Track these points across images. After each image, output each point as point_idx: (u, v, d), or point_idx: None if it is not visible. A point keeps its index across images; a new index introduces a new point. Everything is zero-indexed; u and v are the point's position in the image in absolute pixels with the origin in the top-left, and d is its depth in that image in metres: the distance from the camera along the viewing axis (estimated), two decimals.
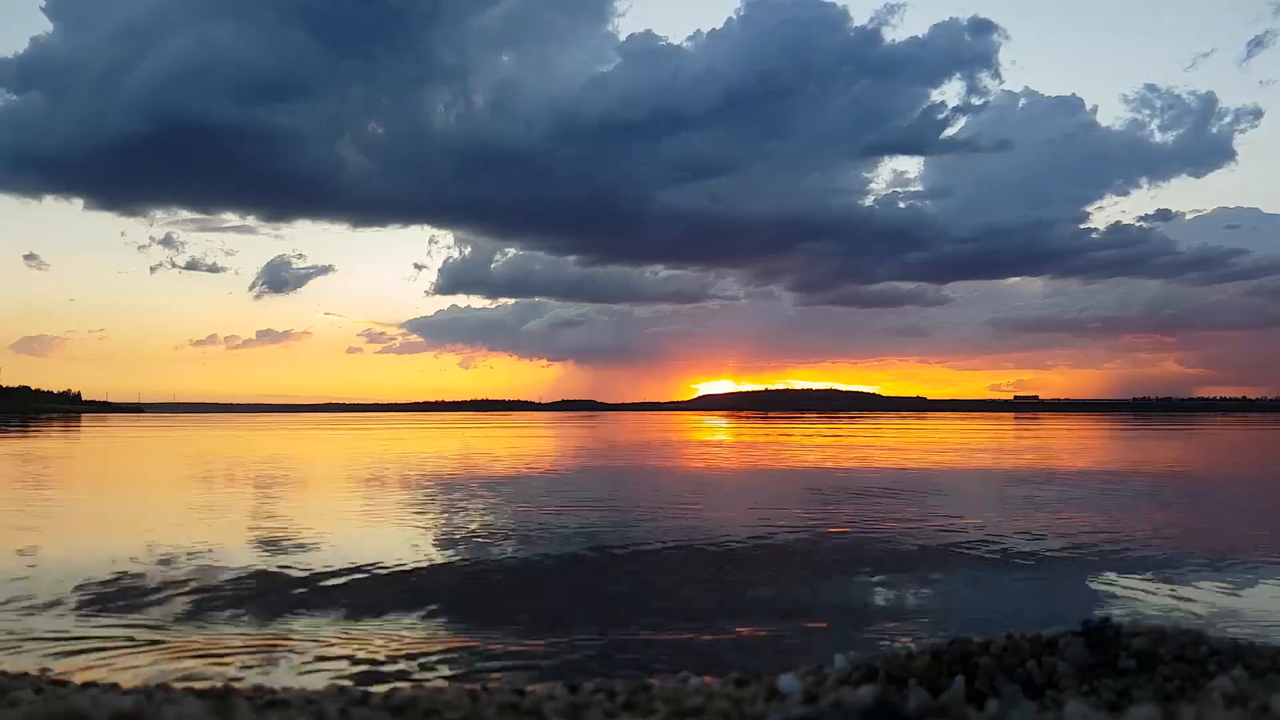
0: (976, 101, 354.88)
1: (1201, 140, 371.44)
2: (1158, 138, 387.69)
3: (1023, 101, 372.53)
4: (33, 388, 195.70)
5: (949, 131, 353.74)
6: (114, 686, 2.08)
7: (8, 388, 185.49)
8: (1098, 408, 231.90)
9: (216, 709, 1.64)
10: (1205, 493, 12.15)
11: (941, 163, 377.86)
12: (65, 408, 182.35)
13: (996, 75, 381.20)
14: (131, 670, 3.60)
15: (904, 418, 78.11)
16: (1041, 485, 12.38)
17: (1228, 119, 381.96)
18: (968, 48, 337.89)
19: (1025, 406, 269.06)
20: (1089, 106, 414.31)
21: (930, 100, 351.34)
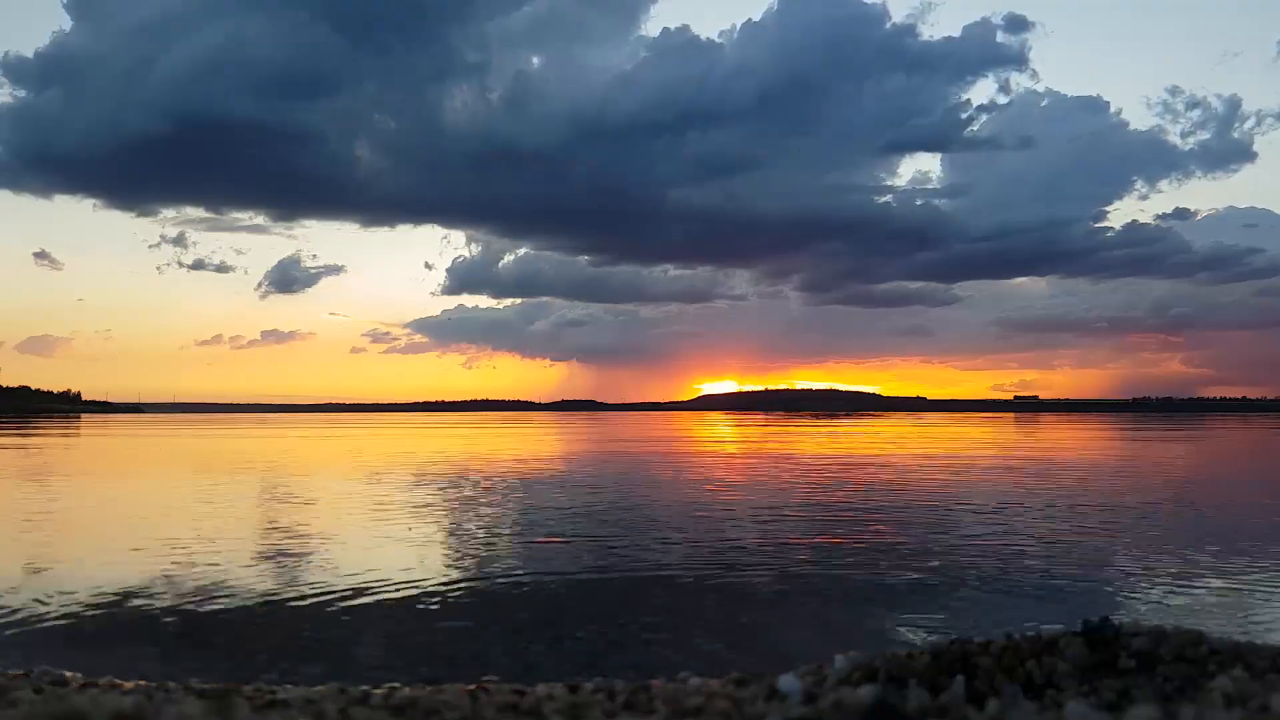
0: (1002, 100, 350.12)
1: (1223, 142, 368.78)
2: (1179, 140, 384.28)
3: (1045, 101, 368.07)
4: (32, 388, 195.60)
5: (972, 129, 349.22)
6: (114, 686, 2.07)
7: (7, 387, 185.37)
8: (1096, 408, 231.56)
9: (216, 709, 1.64)
10: (1202, 494, 12.14)
11: (962, 160, 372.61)
12: (64, 408, 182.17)
13: (1034, 75, 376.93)
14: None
15: (900, 418, 77.90)
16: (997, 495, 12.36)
17: (1250, 122, 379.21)
18: (1001, 47, 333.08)
19: (1025, 407, 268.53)
20: (1114, 108, 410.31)
21: (959, 98, 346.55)
